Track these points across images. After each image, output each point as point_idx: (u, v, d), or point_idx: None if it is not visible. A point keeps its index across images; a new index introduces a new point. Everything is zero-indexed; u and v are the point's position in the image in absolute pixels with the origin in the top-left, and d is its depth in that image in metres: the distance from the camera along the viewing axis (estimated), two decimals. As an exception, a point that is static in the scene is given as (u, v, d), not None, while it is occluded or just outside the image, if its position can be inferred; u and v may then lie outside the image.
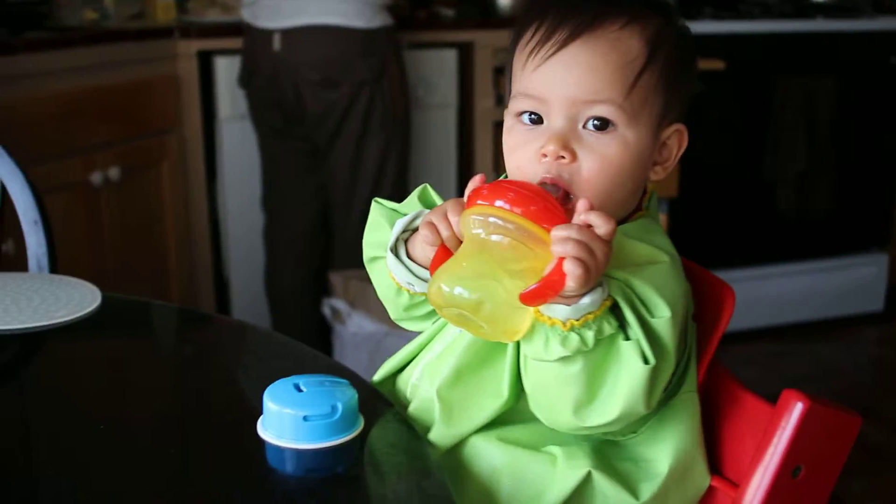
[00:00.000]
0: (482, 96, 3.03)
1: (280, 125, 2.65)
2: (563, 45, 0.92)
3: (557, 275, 0.81)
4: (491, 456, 0.95)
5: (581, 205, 0.83)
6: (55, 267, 1.49)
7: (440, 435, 0.96)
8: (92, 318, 1.22)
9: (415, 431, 0.94)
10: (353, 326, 2.53)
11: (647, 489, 0.93)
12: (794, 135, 3.25)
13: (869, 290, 3.51)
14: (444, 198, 0.99)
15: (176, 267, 2.87)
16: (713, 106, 3.15)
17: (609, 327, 0.85)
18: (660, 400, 0.94)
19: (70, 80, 2.51)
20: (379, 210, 1.04)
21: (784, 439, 0.88)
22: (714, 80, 3.08)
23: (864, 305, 3.51)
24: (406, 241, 0.97)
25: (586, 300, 0.83)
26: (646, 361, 0.84)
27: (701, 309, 1.02)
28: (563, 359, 0.84)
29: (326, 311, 2.64)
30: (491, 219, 0.82)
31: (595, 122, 0.91)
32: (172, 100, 2.80)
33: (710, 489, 0.95)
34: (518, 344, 0.92)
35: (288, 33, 2.54)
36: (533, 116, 0.94)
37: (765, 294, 3.32)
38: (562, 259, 0.80)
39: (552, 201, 0.83)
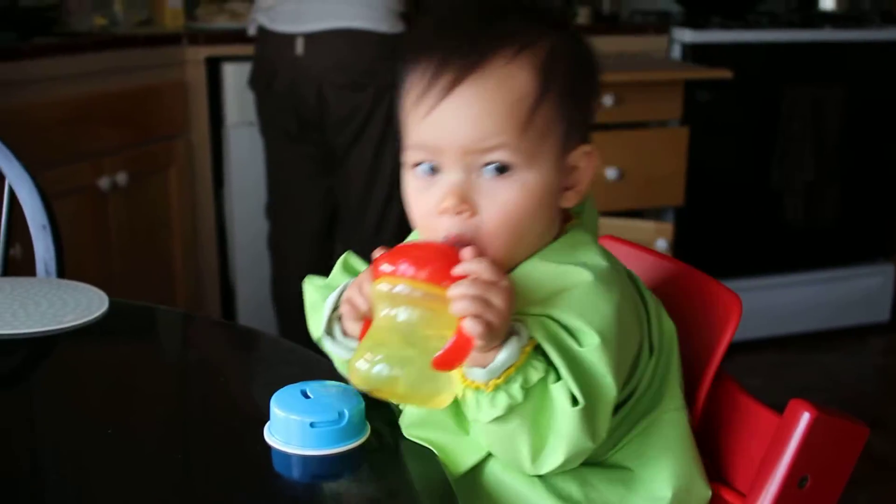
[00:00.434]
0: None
1: (295, 130, 2.65)
2: (450, 89, 0.87)
3: (462, 336, 0.80)
4: (492, 481, 0.94)
5: (465, 253, 0.82)
6: (63, 272, 1.49)
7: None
8: (99, 323, 1.22)
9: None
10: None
11: None
12: (802, 144, 3.25)
13: (875, 301, 3.50)
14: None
15: (182, 273, 2.87)
16: (720, 115, 3.15)
17: (536, 373, 0.83)
18: (635, 420, 0.94)
19: (79, 85, 2.52)
20: (312, 289, 1.02)
21: (791, 449, 0.88)
22: (722, 90, 3.08)
23: (870, 316, 3.50)
24: (340, 318, 0.94)
25: (501, 357, 0.82)
26: (575, 402, 0.82)
27: (706, 318, 1.02)
28: (498, 418, 0.83)
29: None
30: (396, 288, 0.82)
31: (492, 168, 0.87)
32: (180, 106, 2.80)
33: (717, 498, 0.95)
34: None
35: (311, 37, 2.53)
36: (429, 167, 0.89)
37: (770, 303, 3.32)
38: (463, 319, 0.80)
39: (453, 257, 0.82)
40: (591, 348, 0.83)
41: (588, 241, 0.93)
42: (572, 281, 0.87)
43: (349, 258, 1.02)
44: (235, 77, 2.86)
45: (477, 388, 0.83)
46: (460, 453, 0.92)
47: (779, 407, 0.94)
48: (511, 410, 0.83)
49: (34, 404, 1.09)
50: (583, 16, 3.27)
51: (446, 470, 0.87)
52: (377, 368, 0.82)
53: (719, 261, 3.18)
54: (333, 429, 0.88)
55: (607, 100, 2.88)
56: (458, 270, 0.81)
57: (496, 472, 0.92)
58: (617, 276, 0.90)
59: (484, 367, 0.83)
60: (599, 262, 0.89)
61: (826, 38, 3.26)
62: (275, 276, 2.85)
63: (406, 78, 0.90)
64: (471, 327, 0.79)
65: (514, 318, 0.85)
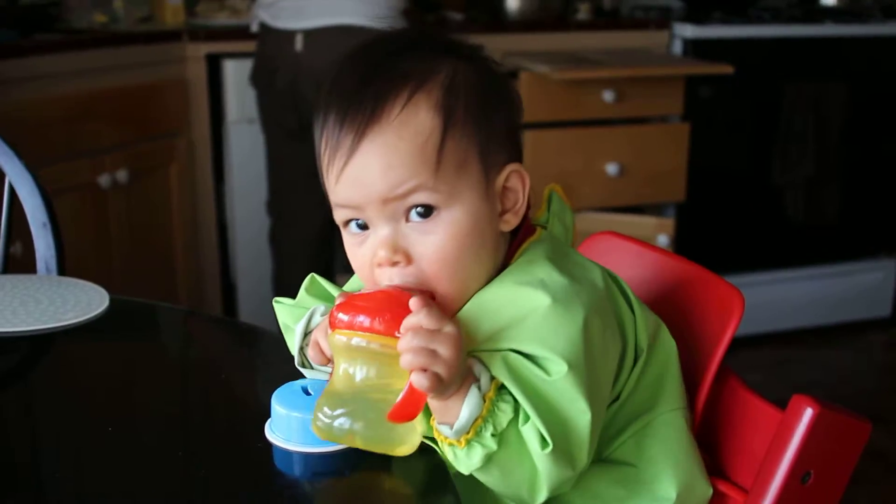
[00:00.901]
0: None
1: (296, 127, 2.64)
2: (352, 152, 0.86)
3: (413, 389, 0.80)
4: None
5: (413, 304, 0.81)
6: (63, 269, 1.49)
7: None
8: (100, 321, 1.22)
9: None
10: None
11: None
12: (803, 140, 3.24)
13: (876, 296, 3.50)
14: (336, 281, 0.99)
15: (183, 270, 2.87)
16: (722, 110, 3.15)
17: (504, 416, 0.83)
18: (626, 421, 0.93)
19: (79, 82, 2.52)
20: (283, 311, 1.01)
21: (794, 445, 0.87)
22: (723, 85, 3.08)
23: (871, 311, 3.50)
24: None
25: (465, 413, 0.81)
26: (544, 444, 0.82)
27: (708, 313, 1.02)
28: (479, 469, 0.83)
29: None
30: (353, 341, 0.82)
31: (415, 212, 0.86)
32: (181, 103, 2.80)
33: (720, 494, 0.94)
34: None
35: (311, 34, 2.53)
36: (357, 224, 0.89)
37: (772, 299, 3.31)
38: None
39: (405, 305, 0.82)
40: (560, 377, 0.82)
41: (540, 259, 0.90)
42: (529, 306, 0.85)
43: (314, 280, 1.01)
44: (236, 74, 2.85)
45: (451, 445, 0.83)
46: None
47: (780, 403, 0.94)
48: (489, 459, 0.83)
49: (35, 402, 1.09)
50: (583, 11, 3.27)
51: (447, 466, 0.87)
52: (337, 423, 0.83)
53: (720, 256, 3.17)
54: (335, 426, 0.88)
55: (608, 95, 2.87)
56: (404, 324, 0.81)
57: None
58: (581, 290, 0.87)
59: (451, 425, 0.83)
60: (557, 278, 0.87)
61: (827, 33, 3.25)
62: (276, 273, 2.85)
63: (318, 138, 0.89)
64: (418, 382, 0.79)
65: (473, 357, 0.84)
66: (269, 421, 0.91)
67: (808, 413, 0.87)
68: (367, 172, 0.85)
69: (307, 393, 0.90)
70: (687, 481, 0.93)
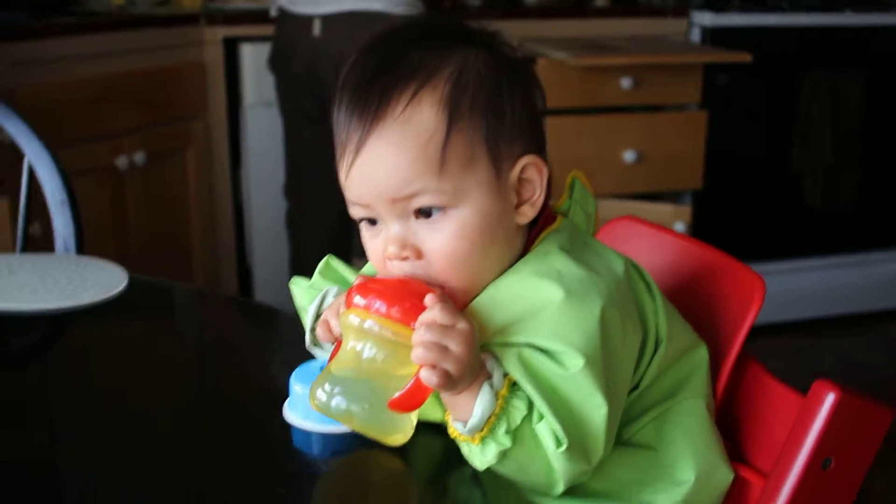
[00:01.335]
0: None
1: (313, 111, 2.64)
2: (359, 148, 0.85)
3: (419, 383, 0.80)
4: None
5: (428, 300, 0.81)
6: (82, 248, 1.49)
7: None
8: (119, 300, 1.22)
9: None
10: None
11: (668, 500, 0.91)
12: (821, 128, 3.23)
13: (894, 286, 3.48)
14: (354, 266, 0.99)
15: (199, 253, 2.88)
16: (740, 98, 3.13)
17: (518, 412, 0.82)
18: (645, 407, 0.93)
19: (97, 65, 2.52)
20: (299, 292, 1.01)
21: (815, 430, 0.87)
22: (741, 73, 3.06)
23: (888, 301, 3.48)
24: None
25: (478, 411, 0.81)
26: (559, 444, 0.81)
27: (729, 299, 1.01)
28: (494, 465, 0.83)
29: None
30: (366, 324, 0.81)
31: (422, 212, 0.85)
32: (198, 86, 2.80)
33: (739, 479, 0.94)
34: None
35: (329, 19, 2.53)
36: (369, 219, 0.88)
37: (789, 288, 3.30)
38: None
39: (422, 296, 0.82)
40: (576, 371, 0.82)
41: (553, 251, 0.89)
42: (544, 298, 0.84)
43: (330, 262, 1.01)
44: (253, 57, 2.85)
45: (465, 441, 0.83)
46: None
47: (798, 391, 0.93)
48: (504, 456, 0.83)
49: (53, 380, 1.09)
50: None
51: None
52: (335, 401, 0.82)
53: (737, 244, 3.15)
54: (353, 406, 0.87)
55: (626, 82, 2.86)
56: (419, 319, 0.80)
57: None
58: (598, 281, 0.86)
59: (464, 422, 0.82)
60: (574, 270, 0.86)
61: (846, 21, 3.23)
62: (293, 257, 2.86)
63: (334, 129, 0.89)
64: (427, 378, 0.79)
65: (486, 352, 0.84)
66: (287, 401, 0.91)
67: (829, 398, 0.87)
68: (373, 172, 0.85)
69: (326, 373, 0.90)
70: (706, 466, 0.92)
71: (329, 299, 0.94)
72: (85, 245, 1.52)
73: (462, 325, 0.80)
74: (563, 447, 0.81)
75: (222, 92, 2.86)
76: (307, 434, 0.88)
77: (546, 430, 0.82)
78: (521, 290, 0.86)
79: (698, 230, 2.94)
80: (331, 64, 2.55)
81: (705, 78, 2.99)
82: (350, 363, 0.82)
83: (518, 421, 0.82)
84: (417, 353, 0.79)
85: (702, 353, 0.96)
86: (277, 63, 2.69)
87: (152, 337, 1.20)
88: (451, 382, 0.80)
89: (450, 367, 0.79)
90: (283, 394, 0.92)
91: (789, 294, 3.30)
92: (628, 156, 2.92)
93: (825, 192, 3.30)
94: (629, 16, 3.18)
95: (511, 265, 0.89)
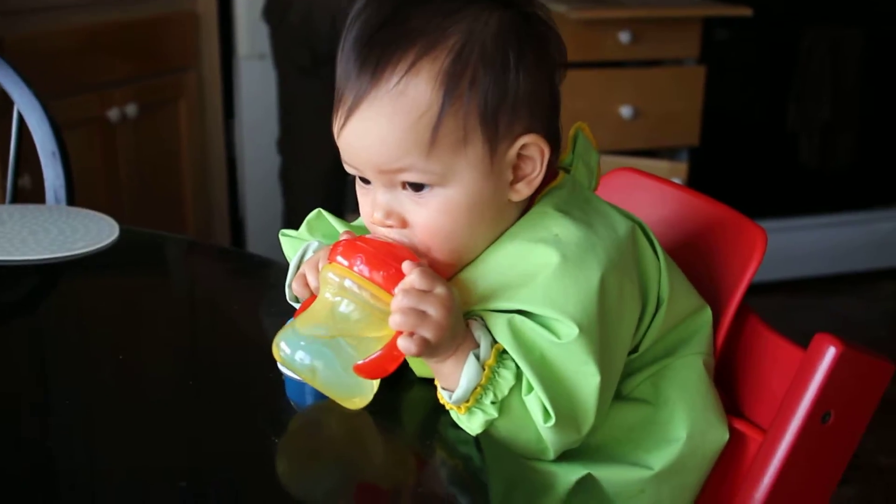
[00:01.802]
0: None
1: (308, 63, 2.62)
2: (350, 113, 0.82)
3: (390, 351, 0.79)
4: None
5: (405, 266, 0.79)
6: (73, 199, 1.47)
7: None
8: (109, 251, 1.21)
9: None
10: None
11: (661, 458, 0.90)
12: (819, 86, 3.20)
13: (889, 245, 3.47)
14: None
15: (192, 206, 2.86)
16: (739, 54, 3.11)
17: (506, 382, 0.81)
18: (644, 365, 0.92)
19: (88, 14, 2.48)
20: (288, 245, 0.99)
21: (815, 384, 0.86)
22: (740, 28, 3.03)
23: (883, 260, 3.47)
24: None
25: (463, 383, 0.80)
26: (547, 416, 0.80)
27: (730, 251, 1.00)
28: (486, 428, 0.82)
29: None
30: (345, 282, 0.80)
31: (409, 185, 0.83)
32: (191, 37, 2.76)
33: (738, 434, 0.93)
34: None
35: None
36: (361, 178, 0.86)
37: (783, 246, 3.29)
38: (399, 333, 0.78)
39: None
40: (570, 340, 0.80)
41: (557, 210, 0.86)
42: (539, 263, 0.82)
43: (321, 215, 0.99)
44: (247, 8, 2.82)
45: (451, 408, 0.82)
46: None
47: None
48: (491, 425, 0.82)
49: (44, 331, 1.08)
50: (600, -49, 3.21)
51: None
52: (299, 355, 0.81)
53: (733, 202, 3.09)
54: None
55: (623, 36, 2.83)
56: (404, 284, 0.79)
57: None
58: (597, 244, 0.84)
59: (451, 391, 0.81)
60: (573, 231, 0.84)
61: (848, -24, 3.20)
62: (286, 210, 2.84)
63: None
64: (405, 346, 0.78)
65: (476, 318, 0.83)
66: (281, 351, 0.90)
67: (830, 351, 0.86)
68: (361, 141, 0.83)
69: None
70: (700, 425, 0.91)
71: (309, 254, 0.93)
72: (76, 197, 1.50)
73: (440, 289, 0.79)
74: (552, 421, 0.80)
75: (216, 43, 2.82)
76: (300, 384, 0.87)
77: (535, 402, 0.81)
78: (518, 255, 0.84)
79: (694, 187, 2.90)
80: (326, 15, 2.52)
81: (704, 33, 2.96)
82: (322, 318, 0.81)
83: (505, 391, 0.81)
84: (395, 320, 0.78)
85: (705, 316, 0.95)
86: (272, 14, 2.66)
87: (144, 288, 1.19)
88: (429, 349, 0.79)
89: (428, 333, 0.78)
90: (277, 344, 0.91)
91: (784, 252, 3.29)
92: (625, 111, 2.90)
93: (822, 150, 3.29)
94: (628, -31, 3.14)
95: (503, 232, 0.87)
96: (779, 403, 0.89)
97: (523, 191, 0.86)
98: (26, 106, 1.47)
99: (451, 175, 0.82)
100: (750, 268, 0.96)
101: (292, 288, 0.91)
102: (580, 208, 0.88)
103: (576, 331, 0.80)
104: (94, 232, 1.24)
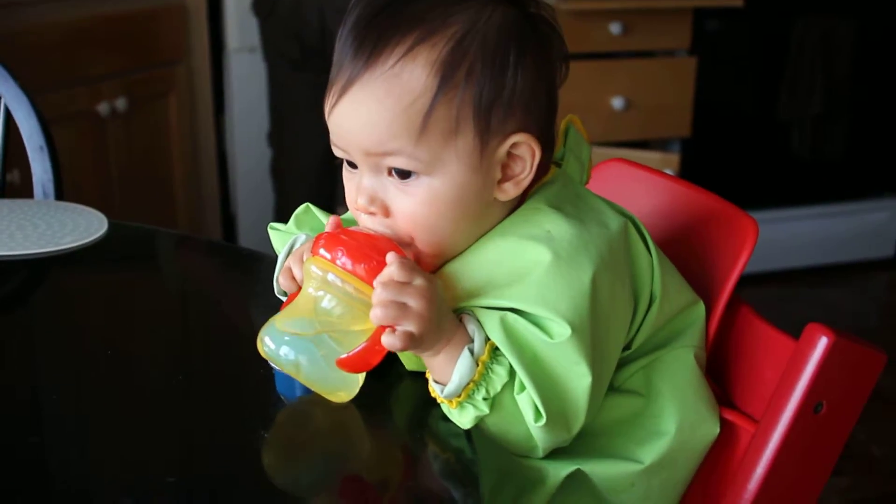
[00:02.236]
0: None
1: (297, 56, 2.61)
2: (342, 92, 0.81)
3: (373, 345, 0.78)
4: None
5: (388, 259, 0.79)
6: (61, 194, 1.47)
7: None
8: (98, 245, 1.20)
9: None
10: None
11: (652, 451, 0.90)
12: (812, 76, 3.20)
13: (880, 236, 3.48)
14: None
15: (183, 200, 2.85)
16: (730, 45, 3.10)
17: (499, 379, 0.80)
18: (637, 358, 0.91)
19: (77, 7, 2.47)
20: (276, 238, 0.99)
21: (807, 374, 0.85)
22: (731, 19, 3.03)
23: (874, 251, 3.48)
24: None
25: (455, 378, 0.79)
26: (538, 416, 0.79)
27: (721, 241, 1.00)
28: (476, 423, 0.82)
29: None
30: (328, 276, 0.79)
31: (395, 171, 0.82)
32: (180, 30, 2.75)
33: (730, 425, 0.93)
34: None
35: None
36: (348, 161, 0.85)
37: (774, 237, 3.29)
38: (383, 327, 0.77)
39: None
40: (562, 340, 0.79)
41: (549, 206, 0.85)
42: (531, 260, 0.82)
43: (309, 209, 0.98)
44: (236, 1, 2.80)
45: (443, 402, 0.82)
46: None
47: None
48: (482, 421, 0.81)
49: (33, 326, 1.07)
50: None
51: None
52: (283, 350, 0.81)
53: (724, 193, 3.09)
54: (338, 350, 0.86)
55: (615, 27, 2.83)
56: (377, 278, 0.78)
57: None
58: (590, 242, 0.83)
59: (442, 384, 0.81)
60: (565, 229, 0.83)
61: (839, -33, 3.19)
62: (278, 204, 2.84)
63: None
64: (389, 342, 0.77)
65: (468, 314, 0.82)
66: (271, 345, 0.90)
67: (822, 342, 0.85)
68: (350, 122, 0.82)
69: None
70: (690, 419, 0.91)
71: (297, 247, 0.92)
72: (64, 192, 1.49)
73: (419, 280, 0.78)
74: (542, 421, 0.80)
75: (205, 36, 2.81)
76: (290, 378, 0.86)
77: (527, 401, 0.80)
78: (509, 251, 0.84)
79: (686, 178, 2.91)
80: (314, 8, 2.51)
81: (695, 24, 2.96)
82: (306, 312, 0.80)
83: (498, 388, 0.80)
84: (376, 314, 0.77)
85: (699, 310, 0.95)
86: (261, 7, 2.65)
87: (134, 282, 1.18)
88: (414, 342, 0.78)
89: (411, 326, 0.77)
90: (267, 338, 0.90)
91: (775, 243, 3.29)
92: (616, 102, 2.90)
93: (814, 141, 3.29)
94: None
95: (499, 222, 0.86)
96: (771, 394, 0.89)
97: (510, 191, 0.85)
98: (13, 100, 1.46)
99: (438, 164, 0.82)
100: (741, 258, 0.96)
101: (279, 282, 0.91)
102: (572, 204, 0.87)
103: (568, 331, 0.79)
104: (82, 226, 1.23)
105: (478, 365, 0.80)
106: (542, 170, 0.87)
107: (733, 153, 3.24)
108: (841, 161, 3.36)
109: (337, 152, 0.86)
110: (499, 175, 0.84)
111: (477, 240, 0.86)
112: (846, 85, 3.26)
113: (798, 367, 0.86)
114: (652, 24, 2.89)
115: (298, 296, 0.82)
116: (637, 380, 0.92)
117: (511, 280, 0.82)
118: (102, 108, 2.50)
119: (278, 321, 0.82)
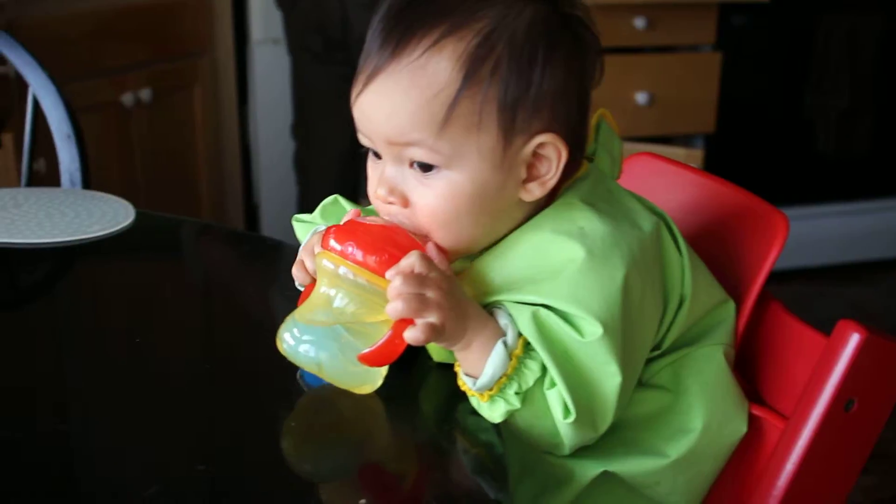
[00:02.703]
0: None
1: (320, 49, 2.61)
2: (368, 81, 0.81)
3: (394, 338, 0.77)
4: None
5: (410, 254, 0.78)
6: (88, 182, 1.47)
7: None
8: (125, 234, 1.20)
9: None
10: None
11: (678, 447, 0.89)
12: (837, 73, 3.18)
13: (906, 234, 3.45)
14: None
15: (206, 191, 2.86)
16: (755, 40, 3.08)
17: (531, 374, 0.80)
18: (674, 347, 0.90)
19: (101, -1, 2.48)
20: (301, 230, 0.99)
21: (838, 371, 0.85)
22: (757, 14, 3.01)
23: (900, 249, 3.46)
24: None
25: (489, 370, 0.79)
26: (567, 412, 0.79)
27: (751, 236, 0.99)
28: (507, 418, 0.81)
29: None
30: (339, 270, 0.79)
31: (416, 163, 0.82)
32: (204, 22, 2.76)
33: (759, 421, 0.92)
34: None
35: None
36: (373, 151, 0.85)
37: (798, 234, 3.26)
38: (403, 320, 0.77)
39: (406, 247, 0.79)
40: (594, 339, 0.79)
41: (583, 202, 0.84)
42: (563, 257, 0.81)
43: (336, 201, 0.98)
44: (261, -7, 2.81)
45: (473, 395, 0.81)
46: None
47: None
48: (511, 415, 0.81)
49: (60, 315, 1.08)
50: (616, -64, 3.19)
51: None
52: (303, 348, 0.81)
53: (748, 189, 3.12)
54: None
55: (639, 22, 2.81)
56: (394, 269, 0.78)
57: None
58: (621, 241, 0.82)
59: (474, 377, 0.80)
60: (598, 226, 0.82)
61: (866, -38, 3.17)
62: (301, 196, 2.84)
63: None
64: (412, 337, 0.77)
65: (500, 308, 0.81)
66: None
67: (854, 338, 0.84)
68: (374, 110, 0.82)
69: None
70: (718, 416, 0.90)
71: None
72: (91, 181, 1.49)
73: (435, 273, 0.78)
74: (571, 418, 0.79)
75: (229, 28, 2.81)
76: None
77: (556, 398, 0.80)
78: (542, 247, 0.83)
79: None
80: (338, 0, 2.51)
81: (720, 19, 2.94)
82: (321, 307, 0.80)
83: (530, 383, 0.80)
84: (396, 307, 0.76)
85: (729, 309, 0.94)
86: (285, -1, 2.65)
87: (160, 270, 1.19)
88: (437, 333, 0.78)
89: (432, 317, 0.77)
90: (293, 328, 0.90)
91: (800, 241, 3.27)
92: (640, 98, 2.88)
93: (839, 138, 3.26)
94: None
95: (532, 215, 0.85)
96: (801, 391, 0.88)
97: (535, 191, 0.84)
98: (41, 87, 1.47)
99: (458, 159, 0.81)
100: (771, 254, 0.95)
101: (293, 274, 0.91)
102: (606, 201, 0.86)
103: (600, 330, 0.79)
104: (109, 215, 1.24)
105: (511, 359, 0.80)
106: (573, 166, 0.86)
107: (757, 149, 3.23)
108: (866, 158, 3.34)
109: (363, 140, 0.86)
110: (523, 175, 0.83)
111: (504, 235, 0.85)
112: (872, 81, 3.23)
113: (829, 363, 0.85)
114: (677, 18, 2.88)
115: (312, 293, 0.82)
116: (665, 375, 0.91)
117: (544, 276, 0.81)
118: (127, 98, 2.50)
119: (295, 319, 0.82)
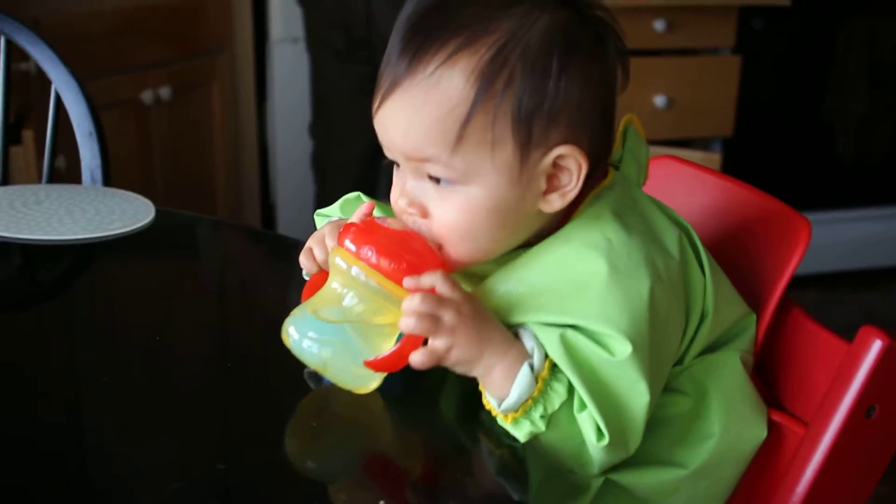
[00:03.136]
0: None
1: (342, 47, 2.60)
2: (386, 96, 0.81)
3: (403, 351, 0.77)
4: None
5: (426, 276, 0.78)
6: (108, 180, 1.48)
7: None
8: (146, 232, 1.21)
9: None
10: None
11: (697, 455, 0.88)
12: (856, 77, 3.16)
13: (924, 240, 3.43)
14: None
15: (224, 189, 2.86)
16: (775, 44, 3.07)
17: (558, 397, 0.79)
18: (695, 354, 0.90)
19: (122, -4, 2.49)
20: (321, 223, 0.99)
21: (860, 377, 0.84)
22: (777, 17, 3.00)
23: (919, 256, 3.44)
24: None
25: (515, 392, 0.78)
26: (600, 436, 0.78)
27: (773, 241, 0.98)
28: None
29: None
30: (352, 270, 0.79)
31: (432, 177, 0.82)
32: (224, 20, 2.76)
33: (779, 427, 0.91)
34: None
35: None
36: (394, 161, 0.85)
37: (816, 240, 3.23)
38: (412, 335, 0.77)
39: (423, 256, 0.79)
40: (624, 358, 0.78)
41: (609, 213, 0.83)
42: (589, 270, 0.80)
43: (360, 198, 0.98)
44: (281, -9, 2.81)
45: (497, 415, 0.81)
46: None
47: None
48: (535, 437, 0.80)
49: (79, 310, 1.08)
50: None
51: None
52: (307, 344, 0.80)
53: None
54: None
55: (658, 24, 2.81)
56: (422, 282, 0.78)
57: None
58: (647, 254, 0.82)
59: (499, 399, 0.79)
60: (624, 238, 0.82)
61: (887, -33, 3.15)
62: (319, 195, 2.84)
63: None
64: (416, 362, 0.77)
65: (526, 330, 0.81)
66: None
67: (876, 345, 0.84)
68: (391, 125, 0.82)
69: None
70: (737, 422, 0.89)
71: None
72: (111, 178, 1.50)
73: (458, 295, 0.78)
74: (605, 441, 0.78)
75: (249, 26, 2.82)
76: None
77: (588, 421, 0.79)
78: (567, 259, 0.82)
79: (728, 178, 2.89)
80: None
81: (740, 22, 2.93)
82: (330, 304, 0.80)
83: (556, 406, 0.79)
84: (408, 323, 0.76)
85: (749, 320, 0.93)
86: (308, -4, 2.66)
87: (180, 268, 1.19)
88: (442, 360, 0.78)
89: (440, 342, 0.77)
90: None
91: (817, 246, 3.23)
92: (658, 100, 2.88)
93: (859, 143, 3.25)
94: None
95: (558, 226, 0.85)
96: (821, 397, 0.88)
97: (556, 203, 0.83)
98: (63, 84, 1.47)
99: (474, 175, 0.81)
100: (794, 258, 0.95)
101: (300, 261, 0.91)
102: (630, 211, 0.86)
103: (629, 348, 0.78)
104: (130, 213, 1.24)
105: (537, 381, 0.79)
106: (598, 174, 0.86)
107: (776, 154, 3.21)
108: (886, 164, 3.32)
109: (385, 152, 0.86)
110: (543, 186, 0.82)
111: (527, 244, 0.85)
112: (892, 85, 3.22)
113: (851, 370, 0.85)
114: (696, 21, 2.87)
115: (323, 288, 0.82)
116: (684, 381, 0.91)
117: (570, 292, 0.81)
118: (146, 96, 2.51)
119: (300, 315, 0.82)
